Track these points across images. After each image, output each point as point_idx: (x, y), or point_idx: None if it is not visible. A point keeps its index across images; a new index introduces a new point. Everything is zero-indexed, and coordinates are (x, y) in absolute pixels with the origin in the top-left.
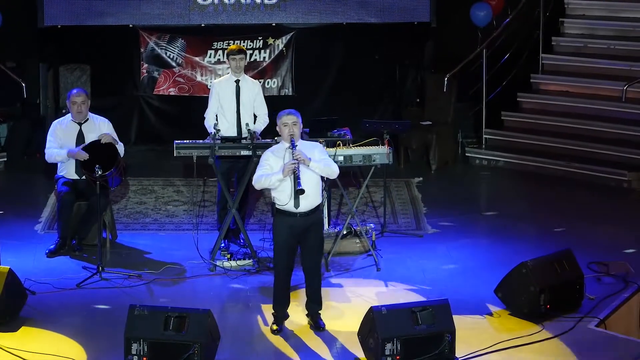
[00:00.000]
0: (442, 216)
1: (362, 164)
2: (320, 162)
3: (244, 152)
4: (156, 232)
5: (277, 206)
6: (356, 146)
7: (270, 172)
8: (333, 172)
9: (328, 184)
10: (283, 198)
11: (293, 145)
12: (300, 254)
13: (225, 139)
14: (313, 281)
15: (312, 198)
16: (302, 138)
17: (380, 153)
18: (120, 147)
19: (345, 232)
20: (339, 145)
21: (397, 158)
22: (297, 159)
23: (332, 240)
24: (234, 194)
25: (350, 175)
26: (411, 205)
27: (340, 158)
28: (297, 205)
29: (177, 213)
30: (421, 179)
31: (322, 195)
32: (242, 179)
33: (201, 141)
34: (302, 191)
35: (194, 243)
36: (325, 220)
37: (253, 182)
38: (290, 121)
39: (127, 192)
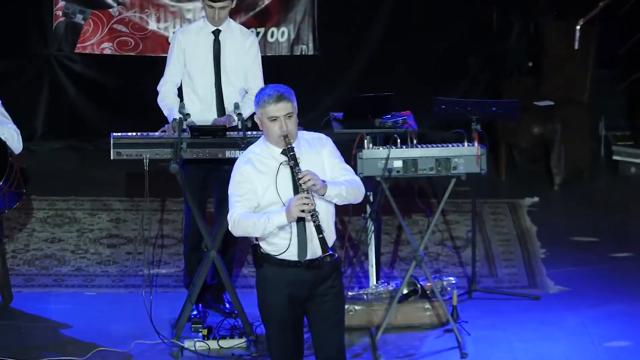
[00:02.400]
0: (572, 263)
1: (435, 175)
2: (341, 186)
3: (230, 153)
4: (80, 290)
5: (262, 251)
6: (424, 143)
7: (257, 211)
8: (359, 195)
9: (375, 210)
10: (278, 242)
11: (294, 160)
12: (308, 330)
13: (197, 130)
14: None
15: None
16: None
17: (465, 155)
18: (13, 138)
19: (406, 292)
20: (394, 141)
21: (495, 164)
22: (309, 188)
23: (384, 305)
24: (213, 225)
25: (414, 193)
26: (519, 244)
27: (398, 164)
28: (303, 254)
29: (117, 257)
30: (537, 200)
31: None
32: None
33: (157, 134)
34: (333, 255)
35: (145, 309)
36: (372, 271)
37: (231, 226)
38: (282, 112)
39: (30, 221)
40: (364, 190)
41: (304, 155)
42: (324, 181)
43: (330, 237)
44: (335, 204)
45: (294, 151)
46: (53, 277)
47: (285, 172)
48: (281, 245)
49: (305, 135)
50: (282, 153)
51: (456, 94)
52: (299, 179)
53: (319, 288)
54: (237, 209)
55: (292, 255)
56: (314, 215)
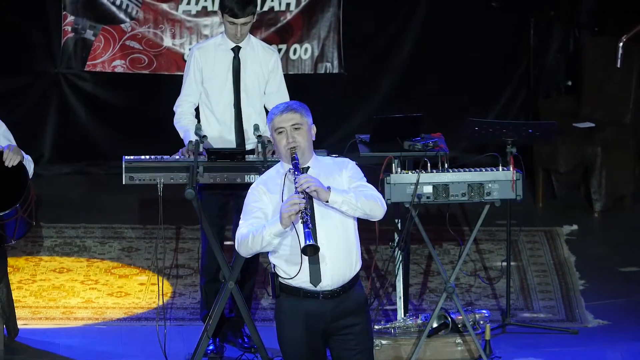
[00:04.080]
0: (613, 296)
1: (468, 201)
2: (350, 193)
3: (250, 178)
4: (90, 323)
5: (280, 280)
6: (456, 167)
7: (258, 226)
8: (375, 207)
9: (403, 238)
10: (289, 267)
11: (296, 168)
12: None
13: (215, 154)
14: None
15: (342, 262)
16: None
17: (499, 180)
18: (28, 165)
19: (436, 325)
20: (424, 166)
21: (532, 190)
22: (303, 191)
23: (413, 339)
24: (232, 254)
25: (445, 220)
26: (557, 275)
27: (428, 189)
28: (316, 278)
29: (129, 289)
30: (576, 227)
31: (361, 257)
32: None
33: (172, 157)
34: (315, 249)
35: (158, 344)
36: (400, 304)
37: (236, 246)
38: (288, 123)
39: (38, 251)
40: (384, 206)
41: (320, 177)
42: (328, 187)
43: (352, 265)
44: (357, 223)
45: (297, 160)
46: (61, 310)
47: (289, 185)
48: (291, 271)
49: (326, 160)
50: (289, 171)
51: (490, 114)
52: (296, 181)
53: (339, 322)
54: (241, 228)
55: (305, 282)
56: (304, 213)
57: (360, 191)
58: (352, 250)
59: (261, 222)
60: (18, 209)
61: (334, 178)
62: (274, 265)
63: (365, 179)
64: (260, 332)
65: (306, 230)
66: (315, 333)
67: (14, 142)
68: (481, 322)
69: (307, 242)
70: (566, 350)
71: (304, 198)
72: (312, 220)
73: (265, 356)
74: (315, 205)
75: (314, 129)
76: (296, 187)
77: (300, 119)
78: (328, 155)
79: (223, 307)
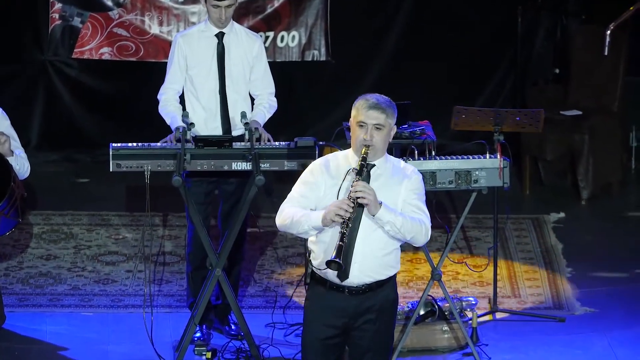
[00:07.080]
0: (600, 283)
1: (455, 188)
2: (399, 216)
3: (237, 165)
4: (77, 310)
5: (314, 269)
6: (444, 155)
7: (305, 210)
8: (418, 236)
9: None
10: (321, 255)
11: (361, 169)
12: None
13: (202, 141)
14: None
15: (374, 262)
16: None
17: (486, 168)
18: (24, 168)
19: (423, 313)
20: (412, 153)
21: (519, 177)
22: (355, 198)
23: (400, 326)
24: (218, 241)
25: (432, 208)
26: (544, 263)
27: None
28: (343, 274)
29: (115, 276)
30: (562, 215)
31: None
32: (234, 213)
33: (159, 144)
34: (339, 266)
35: (145, 331)
36: None
37: (277, 217)
38: (371, 121)
39: (24, 237)
40: (428, 235)
41: (381, 178)
42: (381, 203)
43: (384, 269)
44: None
45: (366, 161)
46: (48, 297)
47: (350, 181)
48: (322, 260)
49: (395, 162)
50: (352, 170)
51: (477, 102)
52: (353, 185)
53: (359, 319)
54: (287, 202)
55: (333, 275)
56: (346, 223)
57: (408, 220)
58: (390, 252)
59: (307, 204)
60: (3, 207)
61: (393, 184)
62: (310, 251)
63: (424, 197)
64: (247, 320)
65: (338, 243)
66: (337, 327)
67: (17, 140)
68: (468, 309)
69: (333, 257)
70: (553, 337)
71: (353, 207)
72: (354, 232)
73: (252, 343)
74: (365, 216)
75: (393, 130)
76: (351, 191)
77: (385, 120)
78: (315, 143)
79: (210, 294)
